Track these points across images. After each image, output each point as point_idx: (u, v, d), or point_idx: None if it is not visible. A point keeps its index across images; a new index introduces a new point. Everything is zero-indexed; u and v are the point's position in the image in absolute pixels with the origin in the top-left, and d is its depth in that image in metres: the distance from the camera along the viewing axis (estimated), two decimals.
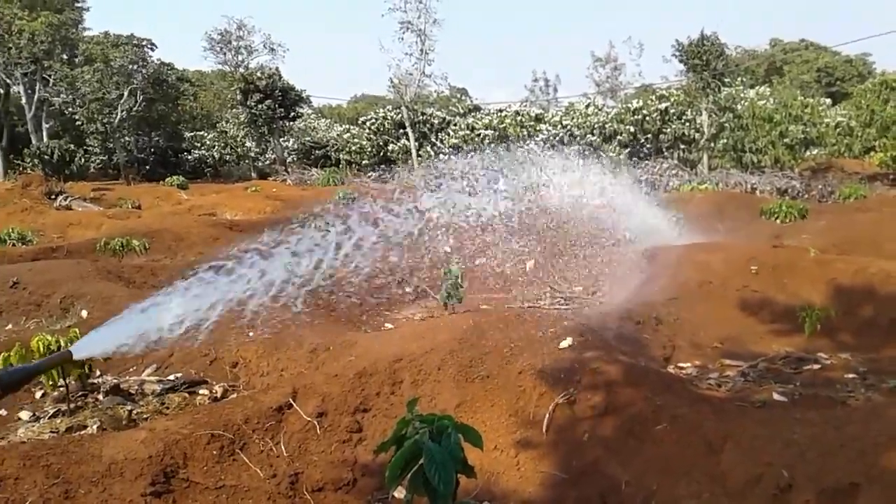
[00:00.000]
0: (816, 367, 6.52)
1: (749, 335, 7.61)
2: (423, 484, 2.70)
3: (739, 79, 37.75)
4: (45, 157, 35.19)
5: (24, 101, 39.71)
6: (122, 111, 40.28)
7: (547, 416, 4.96)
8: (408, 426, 2.84)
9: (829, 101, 38.91)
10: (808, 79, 57.69)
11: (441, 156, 35.19)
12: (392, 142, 43.49)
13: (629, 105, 39.00)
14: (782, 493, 3.78)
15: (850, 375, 6.17)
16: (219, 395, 6.37)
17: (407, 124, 41.60)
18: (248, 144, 44.93)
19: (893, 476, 3.52)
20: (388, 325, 8.92)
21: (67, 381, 5.89)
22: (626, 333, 7.02)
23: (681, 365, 6.85)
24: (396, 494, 4.53)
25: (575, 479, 4.50)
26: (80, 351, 4.80)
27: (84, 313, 8.67)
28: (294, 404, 5.35)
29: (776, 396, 5.50)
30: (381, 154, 43.84)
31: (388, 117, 44.14)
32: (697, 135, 35.78)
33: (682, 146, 36.89)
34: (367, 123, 45.07)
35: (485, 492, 4.58)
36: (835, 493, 3.63)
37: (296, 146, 47.72)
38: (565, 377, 5.25)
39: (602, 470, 4.48)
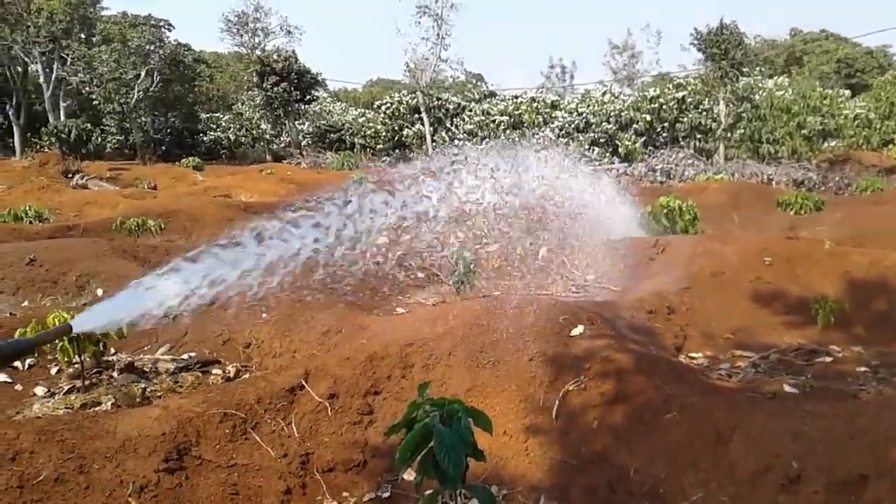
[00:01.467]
0: (828, 359, 6.50)
1: (761, 326, 7.59)
2: (432, 466, 2.74)
3: (758, 69, 37.38)
4: (62, 135, 35.41)
5: (41, 79, 39.79)
6: (138, 91, 40.30)
7: (557, 402, 4.97)
8: (418, 409, 2.87)
9: (848, 92, 38.47)
10: (827, 70, 57.02)
11: (456, 141, 35.18)
12: (407, 126, 43.38)
13: (646, 93, 38.70)
14: (791, 484, 3.79)
15: (862, 369, 6.16)
16: (231, 374, 6.43)
17: (422, 109, 41.44)
18: (263, 127, 44.90)
19: None
20: (400, 310, 8.93)
21: (82, 358, 5.96)
22: (638, 322, 7.02)
23: (692, 355, 6.85)
24: (406, 476, 4.56)
25: (583, 465, 4.52)
26: (81, 325, 4.73)
27: (99, 291, 8.77)
28: (306, 385, 5.38)
29: (787, 388, 5.50)
30: (396, 139, 43.75)
31: (404, 102, 44.00)
32: (714, 124, 35.49)
33: (698, 136, 36.59)
34: (383, 108, 44.95)
35: (493, 476, 4.60)
36: (843, 485, 3.63)
37: (311, 129, 47.63)
38: (576, 365, 5.26)
39: (611, 457, 4.50)
